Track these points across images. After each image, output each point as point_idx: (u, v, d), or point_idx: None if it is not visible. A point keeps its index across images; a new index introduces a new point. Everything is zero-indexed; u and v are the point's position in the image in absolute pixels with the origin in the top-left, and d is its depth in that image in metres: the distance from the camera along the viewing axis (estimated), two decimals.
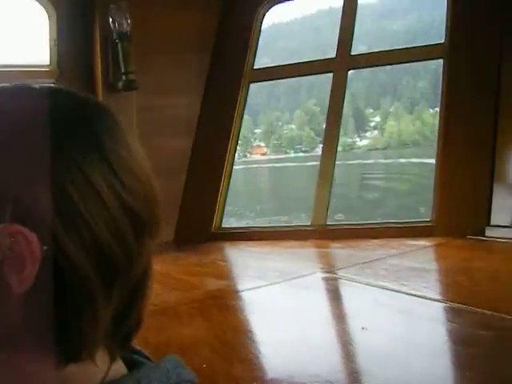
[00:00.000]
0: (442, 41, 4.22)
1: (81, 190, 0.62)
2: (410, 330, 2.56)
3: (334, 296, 3.29)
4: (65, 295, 0.62)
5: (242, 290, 3.39)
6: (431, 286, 3.14)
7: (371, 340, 2.44)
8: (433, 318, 2.71)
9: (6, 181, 0.62)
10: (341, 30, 4.50)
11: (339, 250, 4.16)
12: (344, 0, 4.47)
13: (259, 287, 3.28)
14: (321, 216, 4.41)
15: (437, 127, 4.30)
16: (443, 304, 2.83)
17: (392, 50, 4.61)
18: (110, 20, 4.07)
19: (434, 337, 2.44)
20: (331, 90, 4.50)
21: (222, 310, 3.05)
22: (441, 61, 4.24)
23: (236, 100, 4.64)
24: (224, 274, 3.81)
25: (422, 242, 3.99)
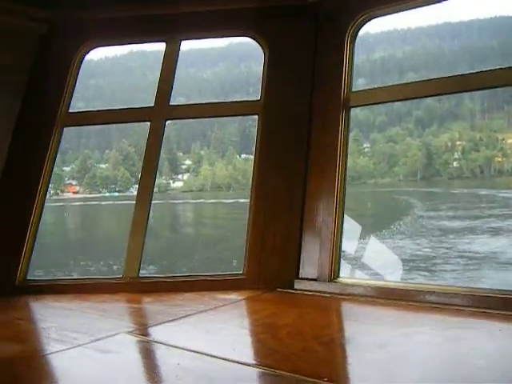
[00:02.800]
0: (258, 98, 4.10)
1: None
2: None
3: (136, 360, 2.86)
4: None
5: (39, 357, 2.85)
6: (237, 346, 2.86)
7: None
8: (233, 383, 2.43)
9: None
10: (160, 79, 4.22)
11: (149, 306, 3.76)
12: (165, 51, 4.21)
13: (60, 351, 2.79)
14: (133, 267, 4.01)
15: (250, 179, 4.14)
16: (246, 367, 2.56)
17: (210, 103, 4.39)
18: None
19: None
20: (148, 139, 4.17)
21: (15, 382, 2.53)
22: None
23: (48, 144, 4.13)
24: (22, 336, 3.23)
25: (233, 296, 3.74)
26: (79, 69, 4.28)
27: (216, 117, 4.77)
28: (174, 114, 4.40)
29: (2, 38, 4.04)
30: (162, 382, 2.42)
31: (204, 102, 4.36)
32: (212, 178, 30.71)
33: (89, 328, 3.15)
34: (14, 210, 4.12)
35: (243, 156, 32.23)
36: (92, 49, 4.33)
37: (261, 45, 4.11)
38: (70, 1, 4.18)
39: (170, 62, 4.20)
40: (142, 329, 3.18)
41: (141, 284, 3.98)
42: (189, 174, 31.03)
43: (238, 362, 2.57)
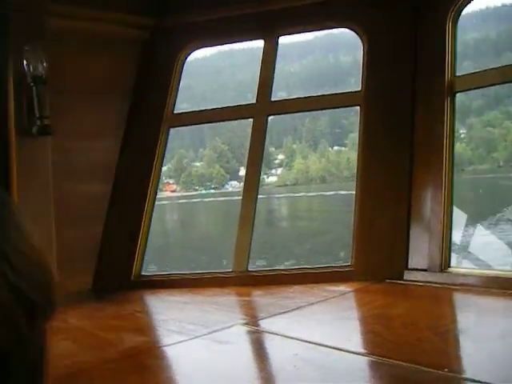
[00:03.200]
0: (359, 88, 4.05)
1: None
2: None
3: (254, 351, 2.95)
4: None
5: (160, 347, 2.98)
6: (351, 337, 2.86)
7: None
8: (351, 373, 2.42)
9: None
10: (261, 76, 4.26)
11: (260, 299, 3.82)
12: (264, 48, 4.25)
13: (178, 343, 2.90)
14: (242, 261, 4.09)
15: (355, 171, 4.12)
16: (362, 357, 2.55)
17: (311, 97, 4.39)
18: (25, 63, 3.65)
19: None
20: (251, 136, 4.23)
21: (140, 371, 2.65)
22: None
23: (156, 145, 4.28)
24: (142, 328, 3.39)
25: (342, 288, 3.72)
26: (182, 71, 4.40)
27: (317, 110, 4.76)
28: (276, 110, 4.43)
29: (106, 46, 4.22)
30: (282, 372, 2.47)
31: (304, 95, 4.38)
32: (305, 171, 30.71)
33: (204, 320, 3.25)
34: (127, 210, 4.31)
35: (335, 148, 31.98)
36: (193, 50, 4.43)
37: (359, 35, 4.05)
38: (172, 6, 4.31)
39: (269, 58, 4.23)
40: (255, 321, 3.25)
41: (250, 277, 4.05)
42: (282, 169, 31.18)
43: (354, 353, 2.57)
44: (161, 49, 4.35)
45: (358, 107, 4.05)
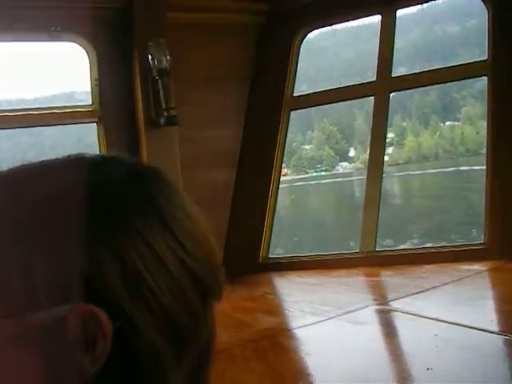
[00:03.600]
0: (485, 57, 3.84)
1: (145, 260, 0.57)
2: (475, 370, 2.17)
3: (391, 331, 2.90)
4: (136, 369, 0.57)
5: (295, 328, 3.00)
6: (492, 317, 2.75)
7: (439, 383, 2.08)
8: (498, 354, 2.32)
9: (70, 258, 0.56)
10: (380, 52, 4.14)
11: (390, 279, 3.75)
12: (381, 23, 4.13)
13: (312, 324, 2.91)
14: (369, 241, 4.02)
15: (485, 147, 3.92)
16: (505, 337, 2.43)
17: (433, 70, 4.22)
18: (150, 57, 3.78)
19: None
20: (373, 114, 4.14)
21: (277, 350, 2.69)
22: None
23: (277, 129, 4.30)
24: (275, 309, 3.44)
25: (475, 267, 3.57)
26: (299, 53, 4.38)
27: (440, 83, 4.56)
28: (398, 86, 4.29)
29: (225, 34, 4.28)
30: (423, 353, 2.40)
31: (426, 69, 4.21)
32: (417, 148, 29.79)
33: (336, 301, 3.24)
34: (252, 193, 4.37)
35: (448, 123, 30.72)
36: (309, 32, 4.40)
37: (484, 2, 3.83)
38: None
39: (387, 33, 4.10)
40: (389, 301, 3.19)
41: (378, 258, 3.98)
42: (393, 147, 30.42)
43: (496, 333, 2.47)
44: (277, 33, 4.34)
45: (485, 77, 3.84)
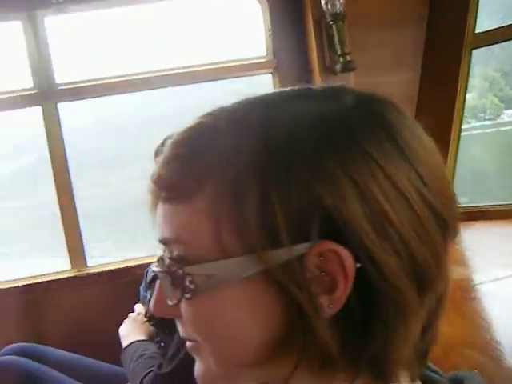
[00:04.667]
0: None
1: (385, 191, 0.54)
2: None
3: None
4: (376, 311, 0.54)
5: (488, 281, 2.81)
6: None
7: None
8: None
9: (312, 192, 0.52)
10: None
11: None
12: None
13: (506, 277, 2.71)
14: None
15: None
16: None
17: None
18: (323, 2, 3.67)
19: None
20: None
21: (474, 304, 2.54)
22: None
23: (458, 71, 3.98)
24: (462, 260, 3.25)
25: None
26: None
27: None
28: None
29: None
30: None
31: None
32: None
33: None
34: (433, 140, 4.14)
35: None
36: None
37: None
38: None
39: None
40: None
41: None
42: None
43: None
44: None
45: None
